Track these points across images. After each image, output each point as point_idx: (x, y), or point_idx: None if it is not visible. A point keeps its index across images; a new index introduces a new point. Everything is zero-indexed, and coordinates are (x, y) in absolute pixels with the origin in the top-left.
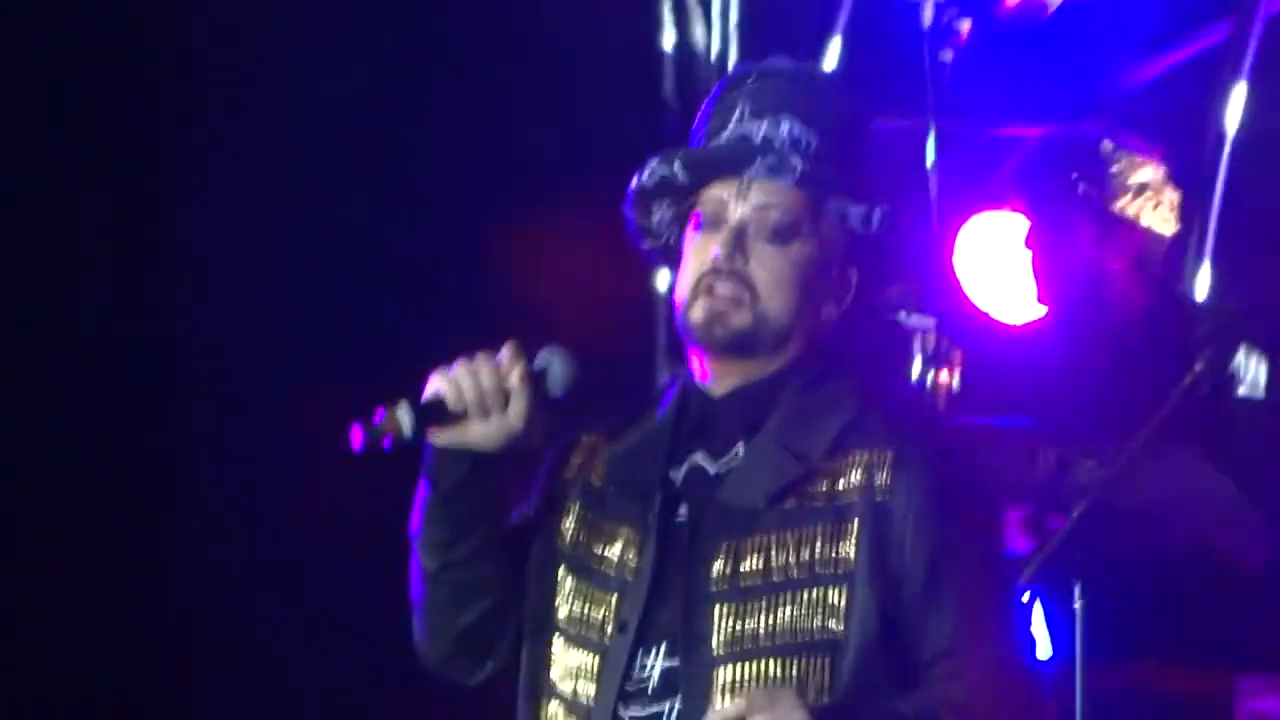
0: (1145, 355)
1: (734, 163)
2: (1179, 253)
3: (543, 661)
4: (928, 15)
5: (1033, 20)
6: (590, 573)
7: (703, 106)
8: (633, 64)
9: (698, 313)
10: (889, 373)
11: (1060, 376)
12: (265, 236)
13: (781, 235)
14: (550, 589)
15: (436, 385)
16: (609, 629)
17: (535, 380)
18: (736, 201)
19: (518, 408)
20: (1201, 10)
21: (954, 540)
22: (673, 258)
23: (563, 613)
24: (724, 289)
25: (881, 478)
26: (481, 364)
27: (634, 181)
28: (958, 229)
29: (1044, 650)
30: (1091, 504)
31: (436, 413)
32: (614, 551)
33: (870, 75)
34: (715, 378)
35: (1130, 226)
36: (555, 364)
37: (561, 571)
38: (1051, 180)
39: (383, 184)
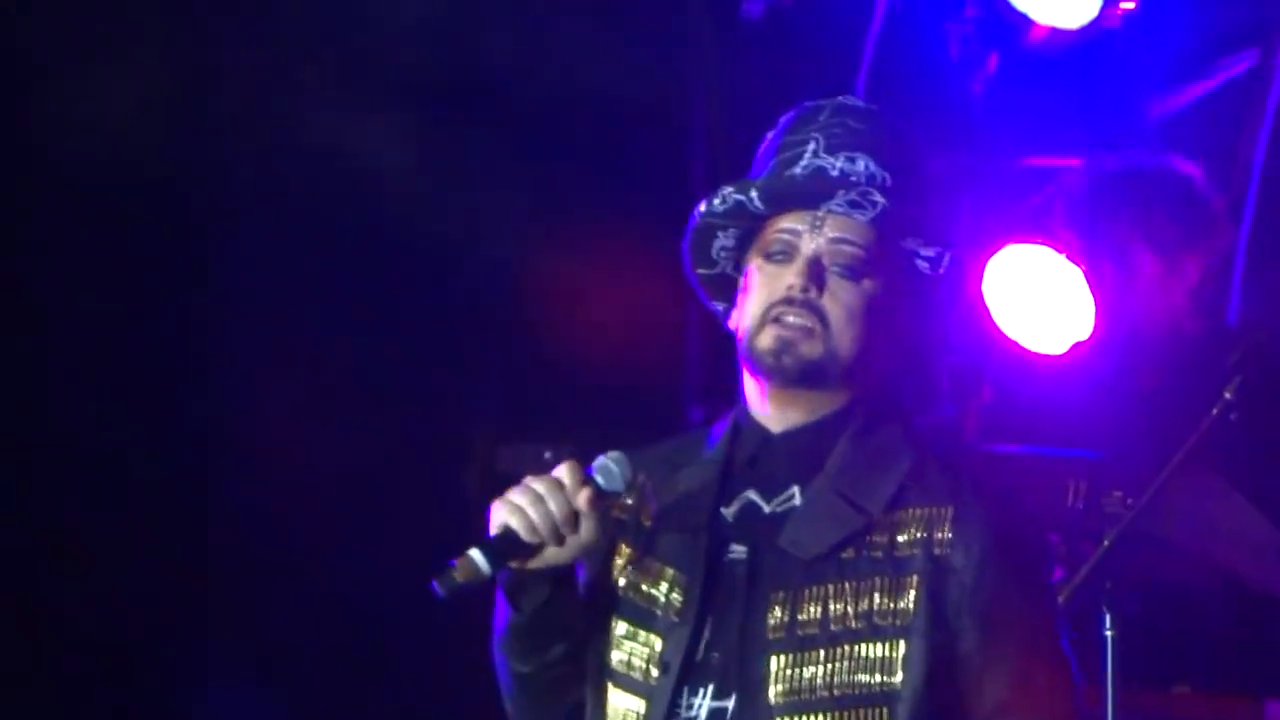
0: (1190, 385)
1: (812, 196)
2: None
3: (600, 709)
4: (955, 48)
5: (1060, 50)
6: (638, 613)
7: (768, 139)
8: (662, 104)
9: (766, 340)
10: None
11: (1093, 408)
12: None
13: (855, 271)
14: (604, 635)
15: (502, 517)
16: (653, 671)
17: (600, 494)
18: (811, 234)
19: (589, 525)
20: (1230, 37)
21: (1011, 596)
22: (726, 287)
23: (613, 658)
24: (796, 319)
25: (941, 534)
26: (546, 491)
27: (702, 206)
28: (986, 260)
29: None
30: (1121, 533)
31: (510, 546)
32: (660, 591)
33: (898, 109)
34: (775, 410)
35: (1194, 260)
36: (612, 467)
37: (612, 617)
38: (1108, 213)
39: (413, 230)
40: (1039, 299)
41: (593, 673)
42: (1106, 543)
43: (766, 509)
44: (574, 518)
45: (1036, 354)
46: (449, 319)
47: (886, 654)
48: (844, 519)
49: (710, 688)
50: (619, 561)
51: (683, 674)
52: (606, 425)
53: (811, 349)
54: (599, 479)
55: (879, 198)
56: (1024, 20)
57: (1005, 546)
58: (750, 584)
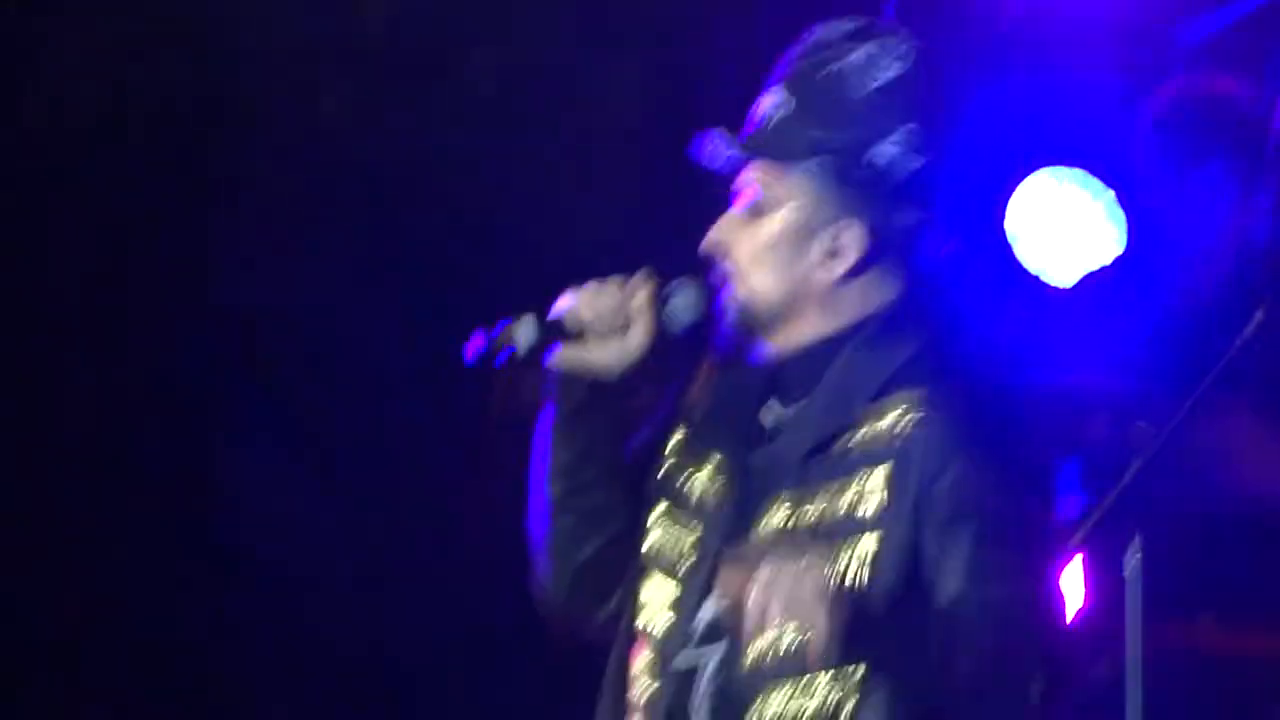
0: (1205, 304)
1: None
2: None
3: (638, 588)
4: None
5: None
6: (678, 497)
7: None
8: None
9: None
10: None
11: (1118, 336)
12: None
13: (757, 211)
14: (648, 513)
15: (565, 301)
16: (691, 557)
17: (659, 305)
18: (737, 188)
19: (638, 332)
20: None
21: (974, 483)
22: None
23: (654, 536)
24: (718, 279)
25: (910, 418)
26: (610, 285)
27: None
28: (1014, 189)
29: (1074, 605)
30: (1146, 462)
31: (556, 329)
32: (700, 480)
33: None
34: (779, 349)
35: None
36: (683, 293)
37: (657, 497)
38: (1187, 135)
39: (434, 215)
40: (1059, 228)
41: (636, 549)
42: (1131, 472)
43: (781, 415)
44: (624, 318)
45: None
46: (470, 305)
47: (865, 549)
48: (824, 419)
49: (719, 590)
50: (675, 439)
51: (714, 565)
52: (657, 341)
53: (731, 310)
54: (672, 299)
55: (767, 134)
56: None
57: (974, 436)
58: (755, 486)
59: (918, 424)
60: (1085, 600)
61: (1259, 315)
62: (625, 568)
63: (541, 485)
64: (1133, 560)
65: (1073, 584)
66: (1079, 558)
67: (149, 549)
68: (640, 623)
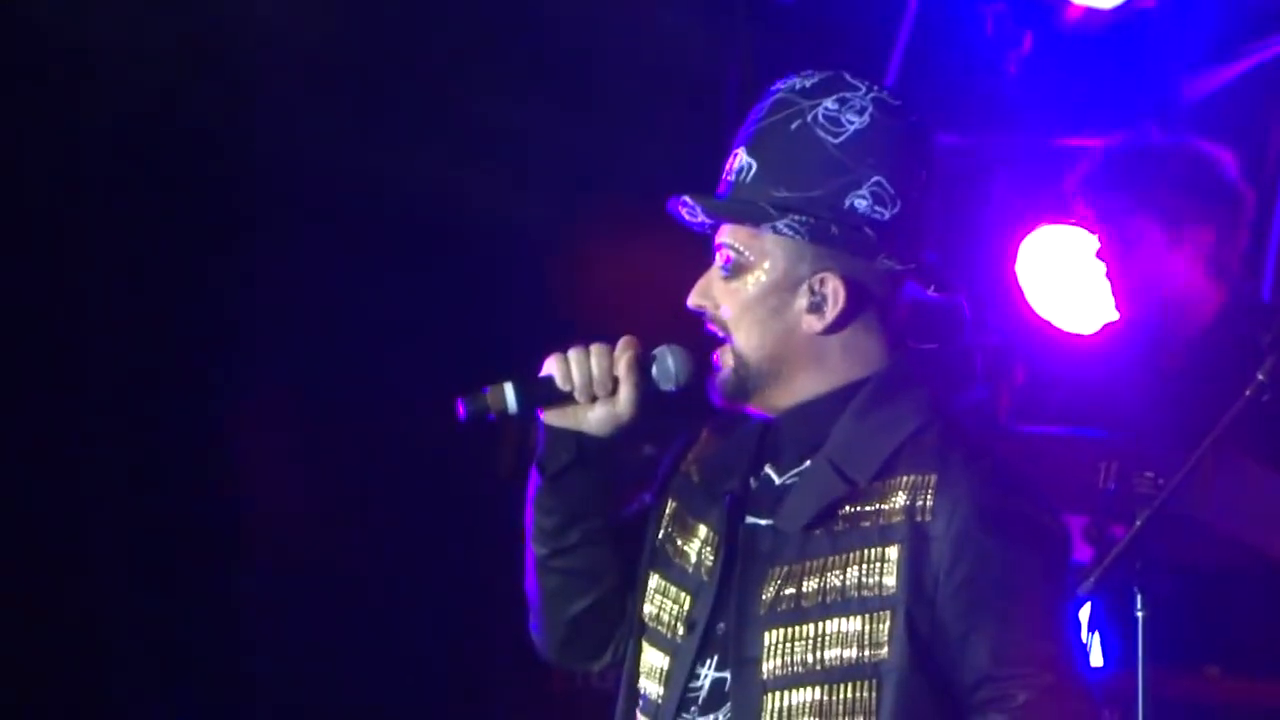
0: (1218, 362)
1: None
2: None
3: (635, 659)
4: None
5: (1094, 31)
6: (671, 568)
7: None
8: (696, 87)
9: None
10: (953, 382)
11: (1124, 387)
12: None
13: (736, 271)
14: (643, 584)
15: (550, 365)
16: (680, 629)
17: (645, 370)
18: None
19: (625, 394)
20: (1263, 20)
21: (994, 563)
22: None
23: (647, 610)
24: (713, 333)
25: (924, 500)
26: (595, 349)
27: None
28: (1020, 240)
29: (1094, 660)
30: (1153, 513)
31: (542, 390)
32: (692, 548)
33: (932, 89)
34: (769, 414)
35: (1200, 230)
36: (668, 357)
37: (651, 568)
38: (1117, 188)
39: (447, 204)
40: (1072, 279)
41: (633, 623)
42: (1138, 523)
43: (777, 481)
44: (612, 381)
45: (1069, 334)
46: (484, 292)
47: (873, 626)
48: (827, 489)
49: (715, 658)
50: (665, 513)
51: (705, 637)
52: (646, 401)
53: (725, 367)
54: (654, 366)
55: (734, 196)
56: (1059, 1)
57: (990, 515)
58: (748, 558)
59: (932, 510)
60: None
61: (1265, 367)
62: (619, 624)
63: (530, 548)
64: (1139, 611)
65: (1086, 637)
66: (1086, 609)
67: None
68: (639, 686)
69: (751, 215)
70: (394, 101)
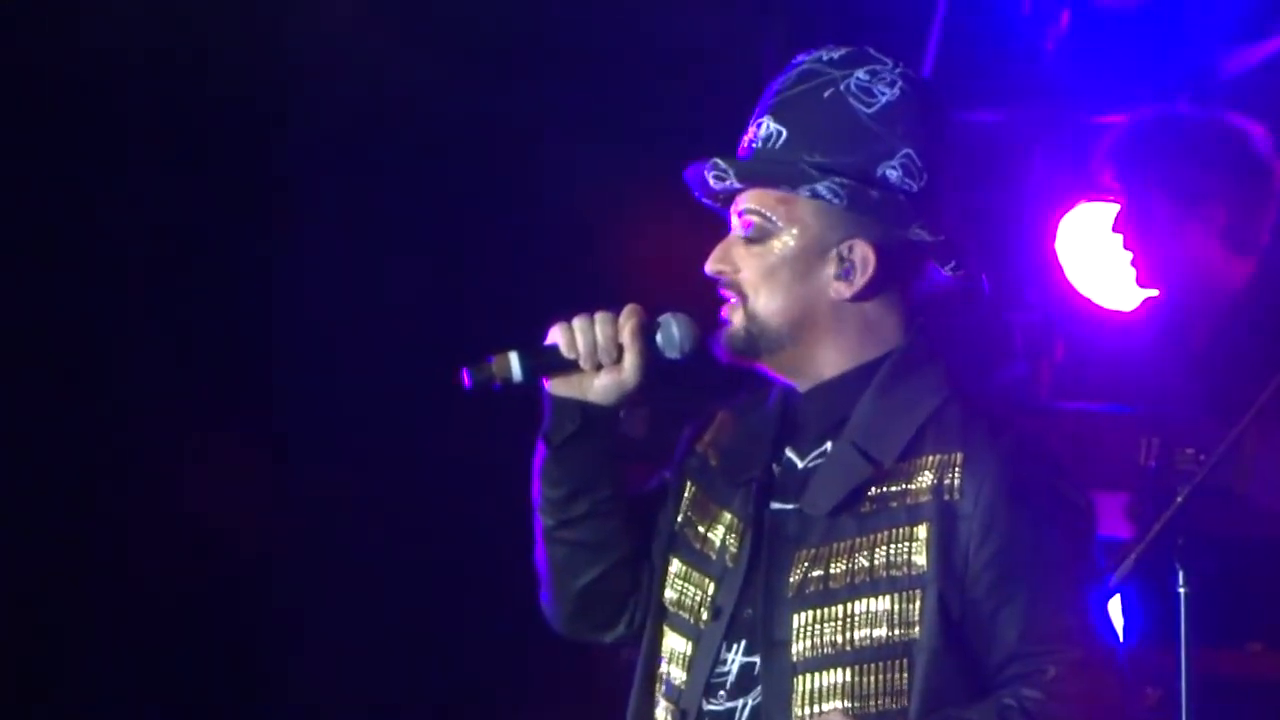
0: (1248, 335)
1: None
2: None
3: (655, 644)
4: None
5: (1133, 6)
6: (692, 553)
7: None
8: (732, 62)
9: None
10: (991, 358)
11: (1162, 362)
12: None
13: (759, 236)
14: (663, 569)
15: (554, 334)
16: (704, 614)
17: (649, 337)
18: (733, 215)
19: (630, 361)
20: None
21: (1023, 540)
22: None
23: (668, 595)
24: (725, 296)
25: (951, 479)
26: (599, 317)
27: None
28: (1060, 217)
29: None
30: (1195, 489)
31: (548, 359)
32: (716, 534)
33: (970, 66)
34: (781, 376)
35: (1211, 205)
36: (673, 325)
37: (670, 552)
38: (1134, 161)
39: (485, 182)
40: (1111, 256)
41: (653, 605)
42: (1180, 499)
43: (800, 465)
44: (617, 348)
45: (1109, 311)
46: (517, 269)
47: (904, 606)
48: (853, 471)
49: (743, 643)
50: (684, 497)
51: (731, 622)
52: (679, 375)
53: (735, 323)
54: (658, 333)
55: (763, 163)
56: None
57: (1017, 491)
58: (775, 542)
59: (960, 489)
60: (1135, 628)
61: None
62: (630, 595)
63: (537, 519)
64: (1181, 588)
65: (1122, 613)
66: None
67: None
68: (661, 670)
69: (789, 177)
70: (423, 78)
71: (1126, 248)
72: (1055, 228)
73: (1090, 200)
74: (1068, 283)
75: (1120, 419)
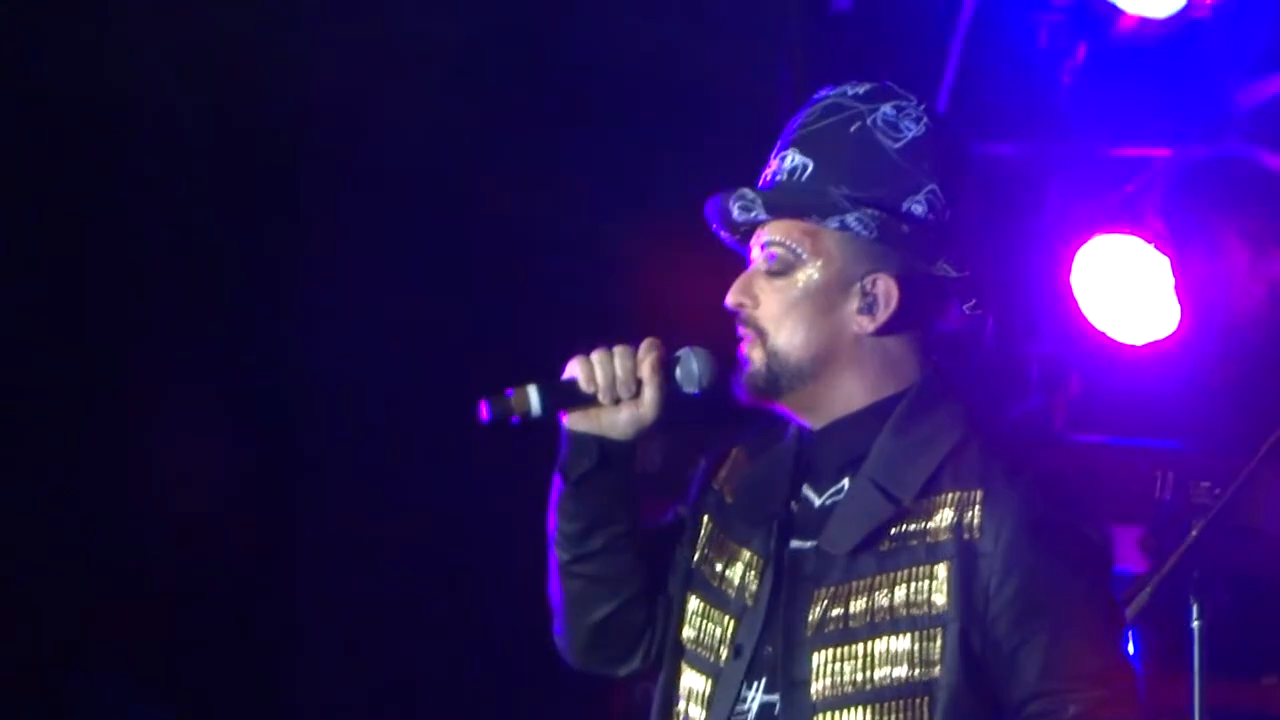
0: (1269, 370)
1: (731, 216)
2: None
3: (672, 681)
4: (1044, 38)
5: (1148, 40)
6: (711, 591)
7: None
8: (751, 96)
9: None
10: (1004, 395)
11: (1181, 398)
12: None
13: (782, 269)
14: (681, 606)
15: (573, 368)
16: (724, 652)
17: (668, 371)
18: (755, 245)
19: (649, 395)
20: None
21: (1043, 578)
22: None
23: (686, 633)
24: (741, 335)
25: (971, 517)
26: (618, 351)
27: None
28: (1075, 250)
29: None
30: (1209, 523)
31: (566, 393)
32: (735, 573)
33: (986, 99)
34: (796, 413)
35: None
36: (692, 360)
37: (688, 590)
38: (1198, 200)
39: (504, 219)
40: (1127, 290)
41: (670, 642)
42: (1194, 533)
43: (817, 503)
44: (635, 383)
45: (1125, 345)
46: (536, 305)
47: (924, 645)
48: (873, 510)
49: (763, 681)
50: (701, 534)
51: (752, 661)
52: (696, 408)
53: (756, 361)
54: (677, 368)
55: (788, 195)
56: (1113, 10)
57: (1037, 530)
58: (794, 580)
59: (980, 527)
60: (1149, 662)
61: None
62: (645, 630)
63: (553, 553)
64: (1195, 621)
65: (1137, 647)
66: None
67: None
68: (679, 709)
69: (820, 208)
70: (445, 110)
71: (1178, 289)
72: (1071, 261)
73: (1106, 233)
74: (1083, 316)
75: (1135, 452)
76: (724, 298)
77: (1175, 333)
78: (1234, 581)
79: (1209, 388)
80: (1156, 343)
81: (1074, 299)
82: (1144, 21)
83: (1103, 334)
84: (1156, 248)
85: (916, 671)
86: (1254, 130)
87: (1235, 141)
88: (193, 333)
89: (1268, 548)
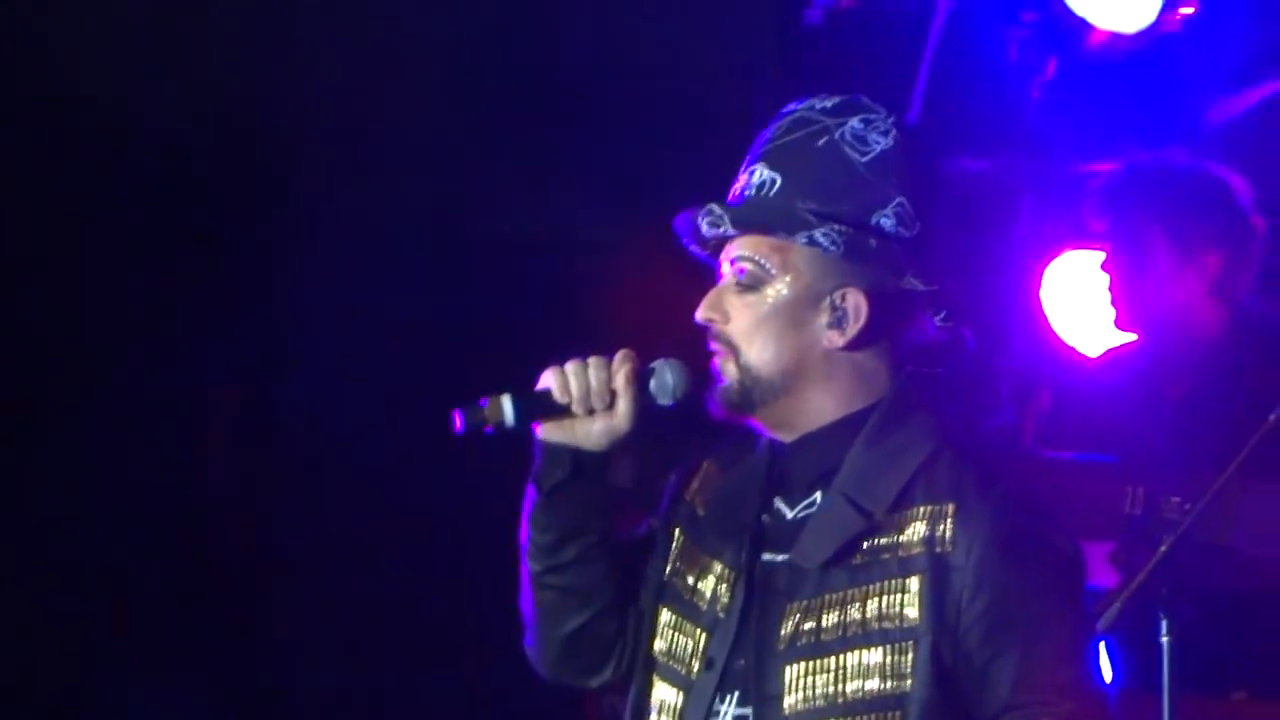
0: (1229, 383)
1: (700, 231)
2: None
3: (644, 694)
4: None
5: (1118, 55)
6: (682, 604)
7: None
8: (722, 109)
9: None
10: (977, 408)
11: (1145, 411)
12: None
13: (752, 284)
14: (652, 619)
15: (547, 378)
16: (696, 665)
17: (643, 383)
18: (725, 260)
19: (623, 407)
20: None
21: (1016, 592)
22: None
23: (657, 645)
24: (712, 350)
25: (943, 530)
26: (592, 362)
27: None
28: (1046, 265)
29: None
30: (1179, 538)
31: (540, 403)
32: (707, 585)
33: (957, 114)
34: (768, 427)
35: (1209, 255)
36: (667, 372)
37: (660, 602)
38: (1131, 206)
39: (484, 228)
40: (1097, 304)
41: (642, 655)
42: (1164, 548)
43: (789, 515)
44: (610, 394)
45: (1094, 360)
46: (514, 313)
47: (896, 658)
48: (845, 524)
49: (735, 694)
50: (673, 546)
51: (724, 674)
52: (677, 419)
53: (729, 376)
54: (652, 380)
55: (756, 210)
56: (1082, 25)
57: (1009, 543)
58: (766, 593)
59: (952, 540)
60: (1118, 677)
61: None
62: (616, 641)
63: (525, 564)
64: (1164, 637)
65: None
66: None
67: None
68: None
69: (787, 224)
70: (438, 126)
71: (1113, 289)
72: (1041, 276)
73: (1076, 249)
74: (1053, 331)
75: (1105, 468)
76: (695, 311)
77: (1139, 344)
78: (1203, 597)
79: (1161, 403)
80: (1119, 354)
81: (1044, 314)
82: (1114, 37)
83: (1073, 349)
84: (1127, 256)
85: (889, 685)
86: (1221, 146)
87: (1187, 154)
88: (190, 334)
89: (1237, 563)
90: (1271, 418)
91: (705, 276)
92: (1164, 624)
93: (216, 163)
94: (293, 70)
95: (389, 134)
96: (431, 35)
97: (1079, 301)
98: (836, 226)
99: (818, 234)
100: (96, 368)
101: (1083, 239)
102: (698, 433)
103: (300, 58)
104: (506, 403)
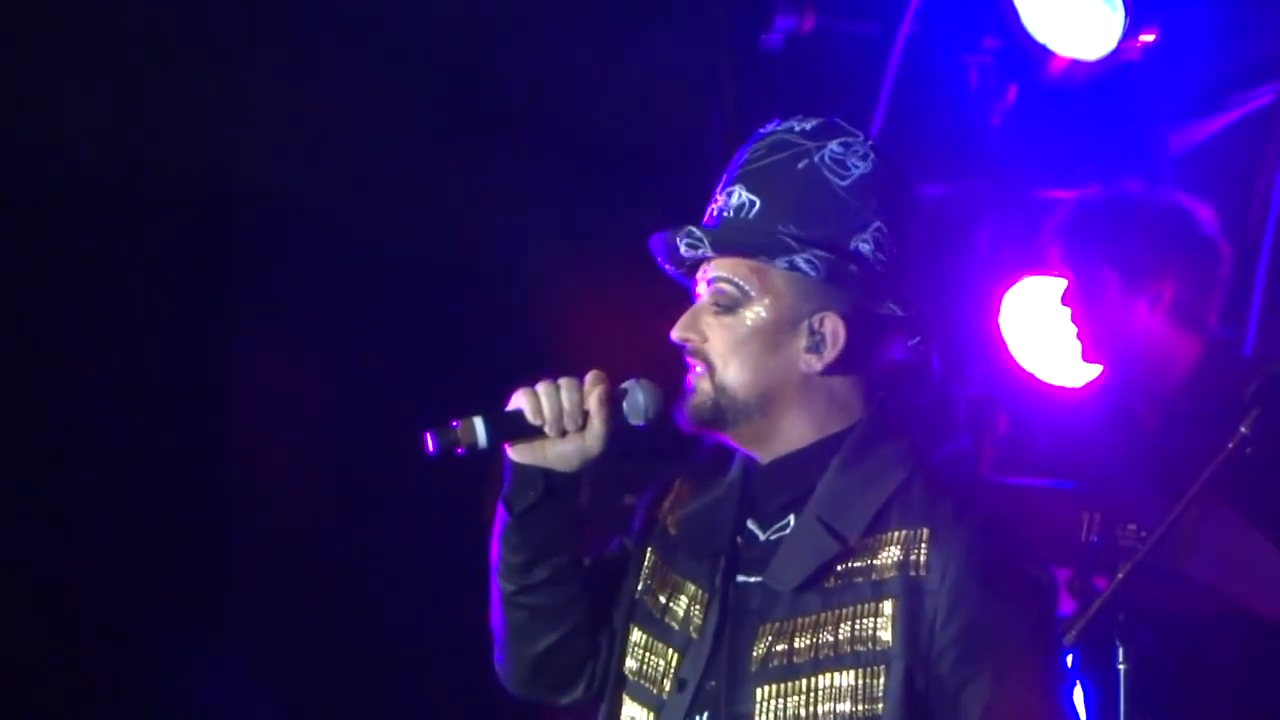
0: (1193, 415)
1: (677, 252)
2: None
3: (614, 713)
4: (974, 79)
5: (1079, 82)
6: (654, 624)
7: None
8: (680, 134)
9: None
10: (936, 433)
11: (1104, 439)
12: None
13: (730, 306)
14: (623, 638)
15: (518, 399)
16: (668, 685)
17: (615, 404)
18: (701, 280)
19: (595, 428)
20: (1249, 71)
21: (988, 617)
22: None
23: (629, 664)
24: (690, 364)
25: (917, 555)
26: (564, 382)
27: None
28: (1004, 291)
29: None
30: (1135, 566)
31: (512, 424)
32: (679, 605)
33: (917, 140)
34: (745, 447)
35: (1158, 283)
36: (639, 392)
37: (631, 621)
38: (1083, 236)
39: (436, 248)
40: (1055, 331)
41: (613, 674)
42: (1120, 575)
43: (762, 538)
44: (582, 415)
45: (1052, 386)
46: (464, 335)
47: (869, 681)
48: (820, 547)
49: (706, 715)
50: (645, 564)
51: (696, 694)
52: (630, 438)
53: (701, 392)
54: (624, 402)
55: (735, 232)
56: (1043, 52)
57: (983, 568)
58: (739, 615)
59: (926, 565)
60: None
61: (1248, 420)
62: (587, 659)
63: (495, 583)
64: (1121, 664)
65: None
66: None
67: None
68: None
69: (768, 248)
70: (392, 153)
71: (1074, 322)
72: (999, 302)
73: (1034, 275)
74: (1011, 357)
75: (1062, 494)
76: (665, 330)
77: (1104, 375)
78: (1160, 625)
79: (1132, 431)
80: (1086, 385)
81: (1002, 340)
82: (1074, 64)
83: (1031, 375)
84: (1080, 286)
85: (860, 708)
86: (1183, 173)
87: (1148, 183)
88: (129, 368)
89: (1194, 592)
90: (1230, 446)
91: (664, 300)
92: (1120, 651)
93: (158, 211)
94: (228, 114)
95: (339, 162)
96: (383, 65)
97: (1037, 328)
98: (818, 251)
99: (799, 259)
100: (33, 406)
101: (1040, 266)
102: (668, 451)
103: (237, 100)
104: (479, 424)
